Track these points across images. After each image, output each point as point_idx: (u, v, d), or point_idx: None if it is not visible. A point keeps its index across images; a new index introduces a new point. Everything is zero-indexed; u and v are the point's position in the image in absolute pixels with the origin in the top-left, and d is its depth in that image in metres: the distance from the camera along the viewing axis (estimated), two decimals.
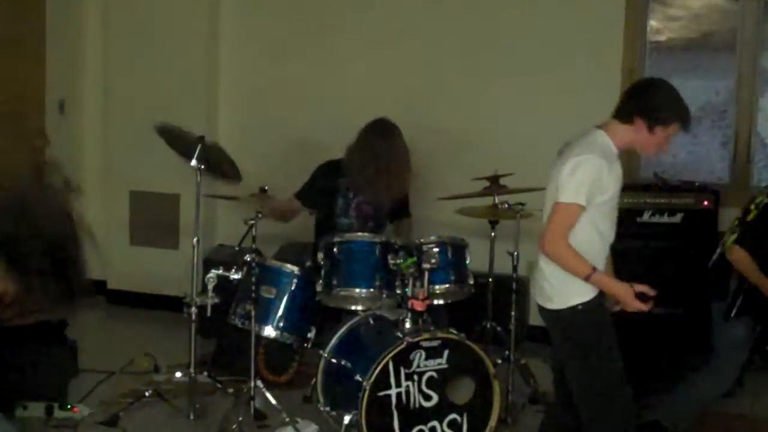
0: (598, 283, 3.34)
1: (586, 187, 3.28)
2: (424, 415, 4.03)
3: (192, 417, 4.54)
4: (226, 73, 6.43)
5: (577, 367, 3.50)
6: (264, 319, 4.44)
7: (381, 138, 4.87)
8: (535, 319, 5.80)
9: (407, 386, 3.99)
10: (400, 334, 4.06)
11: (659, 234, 5.21)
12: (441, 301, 4.51)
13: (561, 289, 3.40)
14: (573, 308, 3.38)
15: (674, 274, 5.05)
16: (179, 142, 4.70)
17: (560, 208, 3.34)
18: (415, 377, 4.01)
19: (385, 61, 6.12)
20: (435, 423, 4.05)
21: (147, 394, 4.67)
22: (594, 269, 3.31)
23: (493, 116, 5.92)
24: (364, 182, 4.85)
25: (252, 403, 4.40)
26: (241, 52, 6.40)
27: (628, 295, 3.33)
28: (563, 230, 3.32)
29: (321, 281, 4.37)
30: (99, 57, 6.51)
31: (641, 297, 3.33)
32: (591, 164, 3.28)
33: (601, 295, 3.39)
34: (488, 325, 4.92)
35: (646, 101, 3.38)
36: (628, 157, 5.36)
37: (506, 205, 4.70)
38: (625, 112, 3.41)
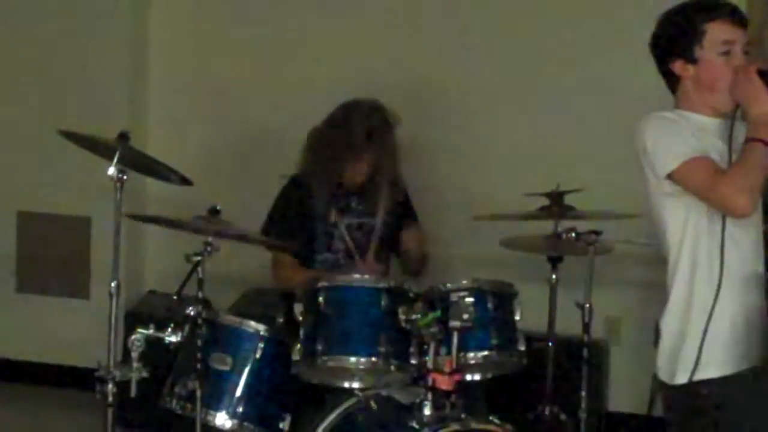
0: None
1: (677, 143, 3.34)
2: None
3: None
4: (156, 53, 6.63)
5: None
6: (215, 402, 4.44)
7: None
8: (618, 403, 5.85)
9: None
10: (416, 425, 4.05)
11: None
12: (477, 376, 4.53)
13: (685, 360, 3.39)
14: (698, 387, 3.37)
15: None
16: (92, 145, 4.71)
17: (683, 171, 3.33)
18: None
19: (367, 31, 6.33)
20: None
21: None
22: (751, 138, 3.30)
23: (553, 111, 6.00)
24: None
25: None
26: (181, 24, 6.61)
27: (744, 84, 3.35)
28: (715, 176, 3.29)
29: (299, 346, 4.36)
30: None
31: None
32: (658, 119, 3.42)
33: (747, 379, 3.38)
34: (547, 411, 4.95)
35: (657, 39, 3.47)
36: None
37: (573, 235, 4.70)
38: (666, 77, 3.48)
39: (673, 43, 3.42)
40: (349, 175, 5.00)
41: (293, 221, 5.07)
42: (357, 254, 5.01)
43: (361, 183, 5.04)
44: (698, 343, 3.35)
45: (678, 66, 3.42)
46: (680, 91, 3.47)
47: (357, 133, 4.99)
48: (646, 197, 3.47)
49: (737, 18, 3.40)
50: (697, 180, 3.33)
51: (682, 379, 3.40)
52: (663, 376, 3.47)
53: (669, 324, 3.47)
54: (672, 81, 3.48)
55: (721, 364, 3.36)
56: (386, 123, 5.04)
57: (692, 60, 3.39)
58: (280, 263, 5.05)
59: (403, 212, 5.21)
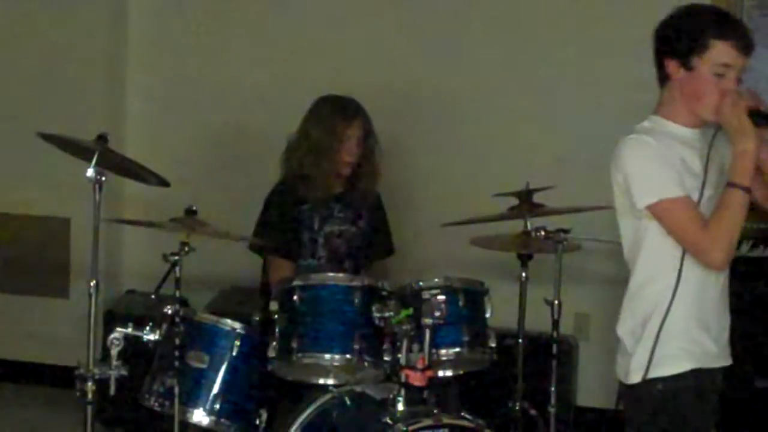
0: (744, 167, 3.30)
1: (662, 176, 3.34)
2: None
3: None
4: (136, 54, 6.61)
5: None
6: (193, 399, 4.45)
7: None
8: (585, 398, 5.87)
9: None
10: (389, 420, 4.04)
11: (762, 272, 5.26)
12: (449, 372, 4.55)
13: (645, 353, 3.40)
14: (652, 384, 3.40)
15: None
16: (71, 147, 4.70)
17: (663, 209, 3.34)
18: None
19: (348, 34, 6.32)
20: None
21: None
22: (730, 183, 3.30)
23: (523, 111, 6.02)
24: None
25: None
26: (155, 26, 6.61)
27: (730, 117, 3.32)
28: (699, 227, 3.31)
29: (275, 344, 4.38)
30: None
31: None
32: (637, 142, 3.39)
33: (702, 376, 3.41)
34: (517, 407, 4.94)
35: (663, 29, 3.45)
36: None
37: (542, 233, 4.71)
38: (658, 69, 3.46)
39: (677, 42, 3.39)
40: (343, 155, 4.99)
41: (284, 226, 5.06)
42: (339, 263, 5.02)
43: (352, 167, 5.03)
44: (652, 343, 3.37)
45: (672, 65, 3.40)
46: (667, 90, 3.46)
47: (346, 101, 5.06)
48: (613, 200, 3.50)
49: (743, 44, 3.35)
50: (676, 223, 3.35)
51: (635, 378, 3.42)
52: (620, 374, 3.50)
53: (623, 324, 3.50)
54: (662, 74, 3.45)
55: (673, 363, 3.39)
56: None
57: (688, 66, 3.37)
58: (277, 266, 5.02)
59: (379, 242, 5.21)
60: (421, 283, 4.40)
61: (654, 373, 3.39)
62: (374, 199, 5.20)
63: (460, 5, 6.17)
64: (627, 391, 3.48)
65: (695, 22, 3.39)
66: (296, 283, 4.44)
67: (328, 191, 5.03)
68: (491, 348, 4.49)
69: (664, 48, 3.43)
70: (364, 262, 5.14)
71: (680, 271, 3.32)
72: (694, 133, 3.45)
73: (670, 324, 3.36)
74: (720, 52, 3.34)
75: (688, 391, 3.40)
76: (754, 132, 3.27)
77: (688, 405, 3.41)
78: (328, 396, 4.40)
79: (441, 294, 4.32)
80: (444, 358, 4.40)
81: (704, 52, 3.34)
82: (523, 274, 4.85)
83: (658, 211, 3.35)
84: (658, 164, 3.35)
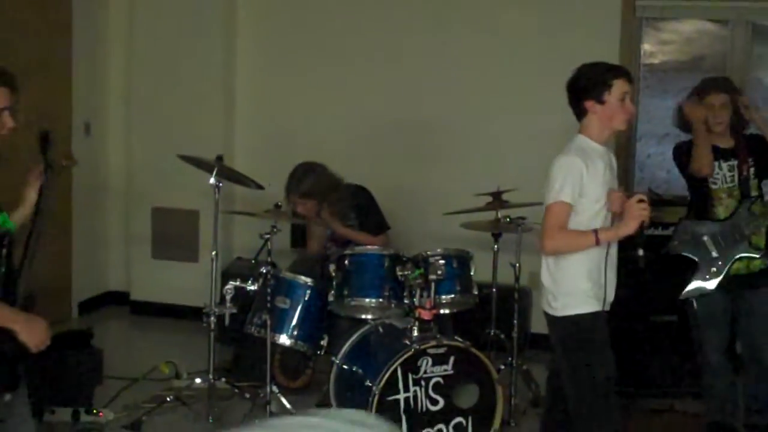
0: (608, 237, 3.31)
1: (566, 184, 3.30)
2: (430, 419, 4.04)
3: (211, 421, 4.56)
4: (242, 97, 6.46)
5: (566, 372, 3.52)
6: (279, 328, 4.45)
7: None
8: (536, 327, 5.82)
9: (415, 391, 4.00)
10: (408, 342, 4.06)
11: (654, 246, 5.22)
12: (447, 311, 4.51)
13: (562, 298, 3.40)
14: (570, 318, 3.39)
15: (668, 284, 5.04)
16: (199, 163, 4.73)
17: (547, 210, 3.36)
18: (423, 383, 4.02)
19: (387, 82, 6.15)
20: (441, 426, 4.06)
21: (168, 399, 4.69)
22: (595, 231, 3.29)
23: (496, 136, 5.94)
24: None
25: (268, 407, 4.41)
26: (257, 77, 6.44)
27: (633, 220, 3.28)
28: (555, 229, 3.33)
29: (333, 292, 4.38)
30: (122, 82, 6.54)
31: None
32: (565, 162, 3.33)
33: (599, 314, 3.39)
34: (492, 333, 4.92)
35: (576, 83, 3.41)
36: (625, 176, 5.40)
37: (508, 219, 4.71)
38: (576, 108, 3.44)
39: (591, 87, 3.36)
40: None
41: None
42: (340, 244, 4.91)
43: None
44: (567, 288, 3.38)
45: (589, 104, 3.37)
46: (586, 120, 3.42)
47: None
48: None
49: (629, 78, 3.39)
50: (548, 219, 3.35)
51: (551, 312, 3.45)
52: (545, 308, 3.49)
53: (544, 274, 3.47)
54: (579, 112, 3.42)
55: (575, 305, 3.38)
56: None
57: (601, 101, 3.36)
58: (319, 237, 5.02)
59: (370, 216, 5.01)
60: (428, 252, 4.39)
61: (564, 312, 3.40)
62: (358, 200, 5.01)
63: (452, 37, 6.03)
64: (548, 317, 3.50)
65: (599, 72, 3.39)
66: (347, 252, 4.44)
67: None
68: (475, 295, 4.50)
69: (579, 94, 3.40)
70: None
71: None
72: (601, 149, 3.43)
73: (575, 278, 3.37)
74: (620, 85, 3.36)
75: (586, 320, 3.38)
76: (634, 230, 3.28)
77: (586, 330, 3.39)
78: (367, 326, 4.41)
79: (441, 259, 4.34)
80: (443, 301, 4.39)
81: (611, 89, 3.34)
82: (495, 247, 4.82)
83: (549, 207, 3.35)
84: (570, 177, 3.31)
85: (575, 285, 3.37)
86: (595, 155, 3.38)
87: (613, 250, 3.43)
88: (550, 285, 3.43)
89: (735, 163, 4.25)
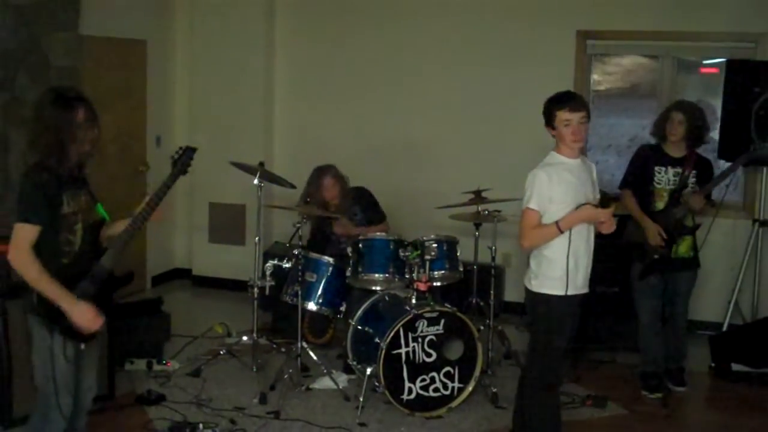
0: (569, 222, 3.19)
1: (533, 194, 3.23)
2: (426, 368, 4.01)
3: (255, 369, 4.53)
4: (280, 113, 6.39)
5: (531, 336, 3.48)
6: (308, 296, 4.43)
7: None
8: (509, 296, 5.79)
9: (413, 346, 3.98)
10: (408, 308, 4.05)
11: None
12: (438, 283, 4.48)
13: (540, 279, 3.32)
14: (541, 295, 3.32)
15: (613, 263, 4.99)
16: (246, 168, 4.69)
17: (521, 215, 3.31)
18: (419, 340, 4.00)
19: (394, 106, 6.06)
20: (434, 374, 4.04)
21: (222, 352, 4.67)
22: (557, 222, 3.20)
23: (476, 148, 5.88)
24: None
25: (299, 359, 4.38)
26: (291, 98, 6.37)
27: (591, 211, 3.21)
28: (527, 229, 3.26)
29: (350, 269, 4.35)
30: (185, 104, 6.50)
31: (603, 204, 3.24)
32: (532, 176, 3.27)
33: (565, 297, 3.26)
34: (473, 301, 4.86)
35: (543, 111, 3.32)
36: None
37: (486, 212, 4.66)
38: (549, 130, 3.36)
39: (545, 117, 3.29)
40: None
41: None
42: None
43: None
44: (544, 272, 3.27)
45: (549, 129, 3.30)
46: (556, 139, 3.32)
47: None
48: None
49: (573, 106, 3.24)
50: (523, 222, 3.28)
51: (532, 288, 3.34)
52: (526, 284, 3.39)
53: (531, 259, 3.38)
54: (550, 131, 3.32)
55: (552, 286, 3.27)
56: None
57: (553, 127, 3.28)
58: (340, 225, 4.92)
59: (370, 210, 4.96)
60: (424, 238, 4.34)
61: (539, 290, 3.31)
62: (361, 199, 4.94)
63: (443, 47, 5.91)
64: (527, 292, 3.41)
65: (547, 106, 3.30)
66: (361, 237, 4.41)
67: None
68: (460, 271, 4.46)
69: (546, 120, 3.31)
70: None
71: (570, 231, 3.23)
72: (569, 161, 3.31)
73: (551, 266, 3.28)
74: (562, 115, 3.24)
75: (553, 300, 3.28)
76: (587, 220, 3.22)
77: (553, 308, 3.29)
78: (376, 295, 4.38)
79: (434, 243, 4.30)
80: (436, 276, 4.36)
81: (555, 118, 3.26)
82: (477, 233, 4.74)
83: (523, 212, 3.27)
84: (537, 188, 3.23)
85: (551, 271, 3.28)
86: (561, 168, 3.28)
87: (582, 243, 3.30)
88: (534, 267, 3.35)
89: (680, 170, 4.22)
